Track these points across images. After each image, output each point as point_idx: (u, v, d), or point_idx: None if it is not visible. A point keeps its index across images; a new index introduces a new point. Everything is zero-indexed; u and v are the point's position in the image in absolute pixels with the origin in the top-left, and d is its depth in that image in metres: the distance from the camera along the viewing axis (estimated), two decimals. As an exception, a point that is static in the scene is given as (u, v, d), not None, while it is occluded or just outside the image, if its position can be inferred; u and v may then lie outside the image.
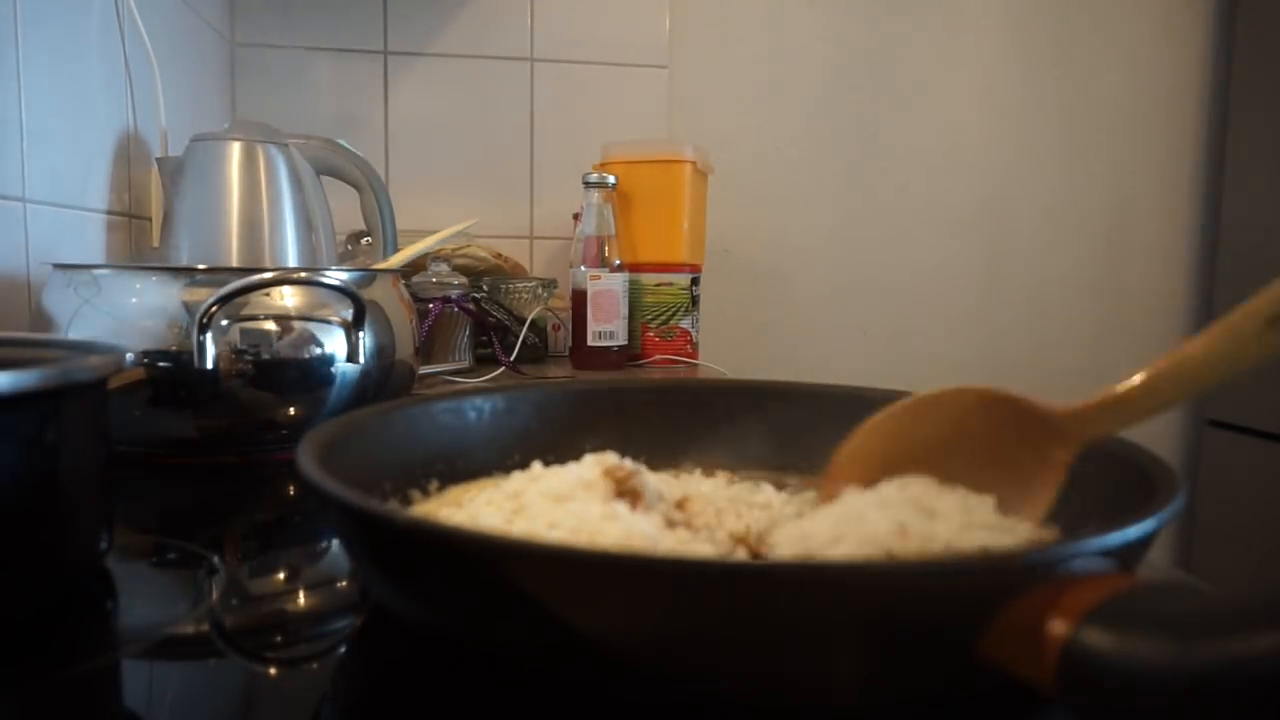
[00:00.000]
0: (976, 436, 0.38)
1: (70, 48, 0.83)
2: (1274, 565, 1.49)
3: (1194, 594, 0.25)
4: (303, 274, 0.64)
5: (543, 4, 1.48)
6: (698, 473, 0.49)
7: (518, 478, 0.41)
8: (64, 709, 0.31)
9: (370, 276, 0.68)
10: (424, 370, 1.02)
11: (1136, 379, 0.35)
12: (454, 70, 1.46)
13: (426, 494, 0.46)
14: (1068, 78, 1.64)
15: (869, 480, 0.39)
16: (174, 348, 0.58)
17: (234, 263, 0.86)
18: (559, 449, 0.52)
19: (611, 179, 1.16)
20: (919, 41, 1.60)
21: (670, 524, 0.38)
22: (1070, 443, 0.36)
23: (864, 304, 1.61)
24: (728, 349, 1.47)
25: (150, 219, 1.01)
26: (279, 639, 0.37)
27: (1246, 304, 0.33)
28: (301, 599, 0.42)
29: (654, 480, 0.40)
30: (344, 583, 0.43)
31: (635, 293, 1.22)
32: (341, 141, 0.97)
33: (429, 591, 0.31)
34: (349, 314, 0.63)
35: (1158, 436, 1.72)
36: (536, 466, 0.42)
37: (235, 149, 0.87)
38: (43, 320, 0.62)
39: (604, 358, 1.15)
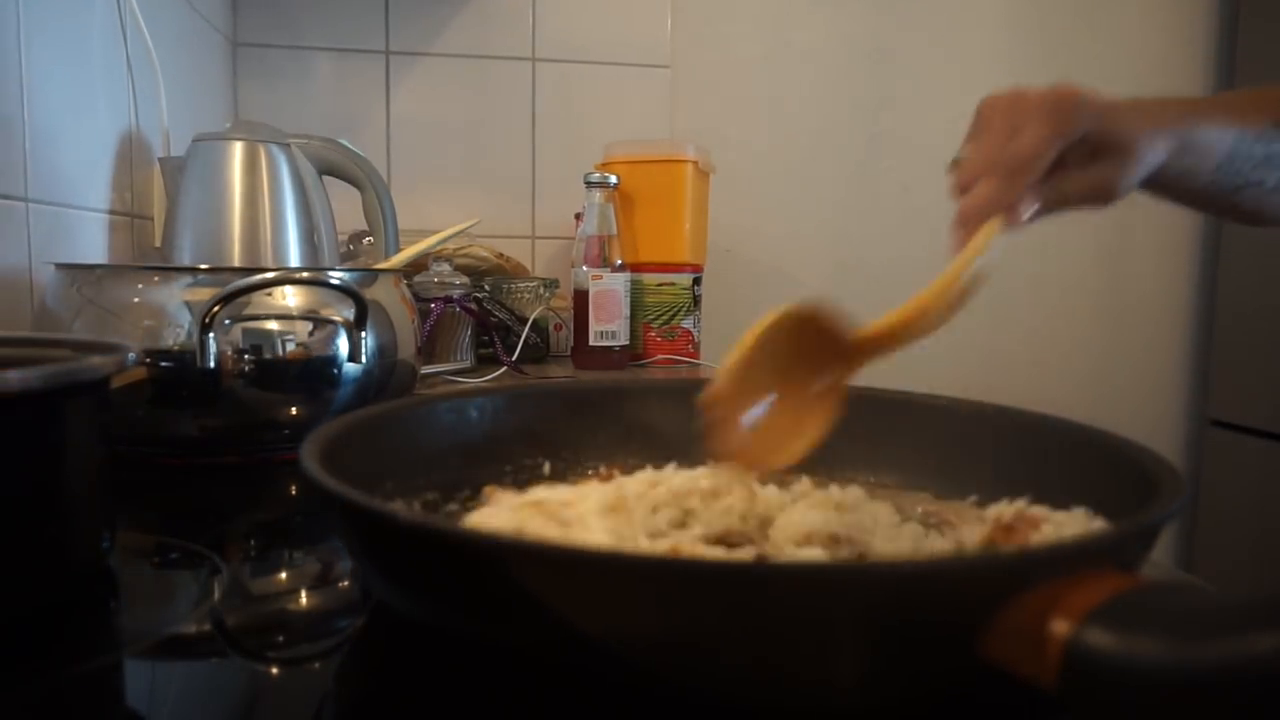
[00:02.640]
0: (803, 346, 0.45)
1: (72, 48, 0.83)
2: (1275, 565, 1.49)
3: (1196, 594, 0.25)
4: (305, 274, 0.64)
5: (544, 4, 1.48)
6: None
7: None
8: (66, 708, 0.31)
9: (372, 276, 0.68)
10: (426, 370, 1.02)
11: (890, 318, 0.45)
12: (456, 70, 1.47)
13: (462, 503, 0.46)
14: (1070, 76, 1.64)
15: (748, 393, 0.45)
16: (176, 347, 0.59)
17: (236, 262, 0.86)
18: (560, 449, 0.52)
19: (613, 179, 1.16)
20: (921, 41, 1.60)
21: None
22: (857, 356, 0.46)
23: (866, 304, 1.61)
24: (729, 349, 1.47)
25: (152, 219, 1.01)
26: (281, 639, 0.37)
27: (955, 261, 0.47)
28: (303, 599, 0.42)
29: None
30: (346, 582, 0.43)
31: (637, 292, 1.22)
32: (343, 141, 0.97)
33: (431, 591, 0.31)
34: (351, 314, 0.63)
35: (1159, 436, 1.72)
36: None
37: (237, 149, 0.87)
38: (45, 320, 0.62)
39: (606, 358, 1.15)
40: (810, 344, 0.45)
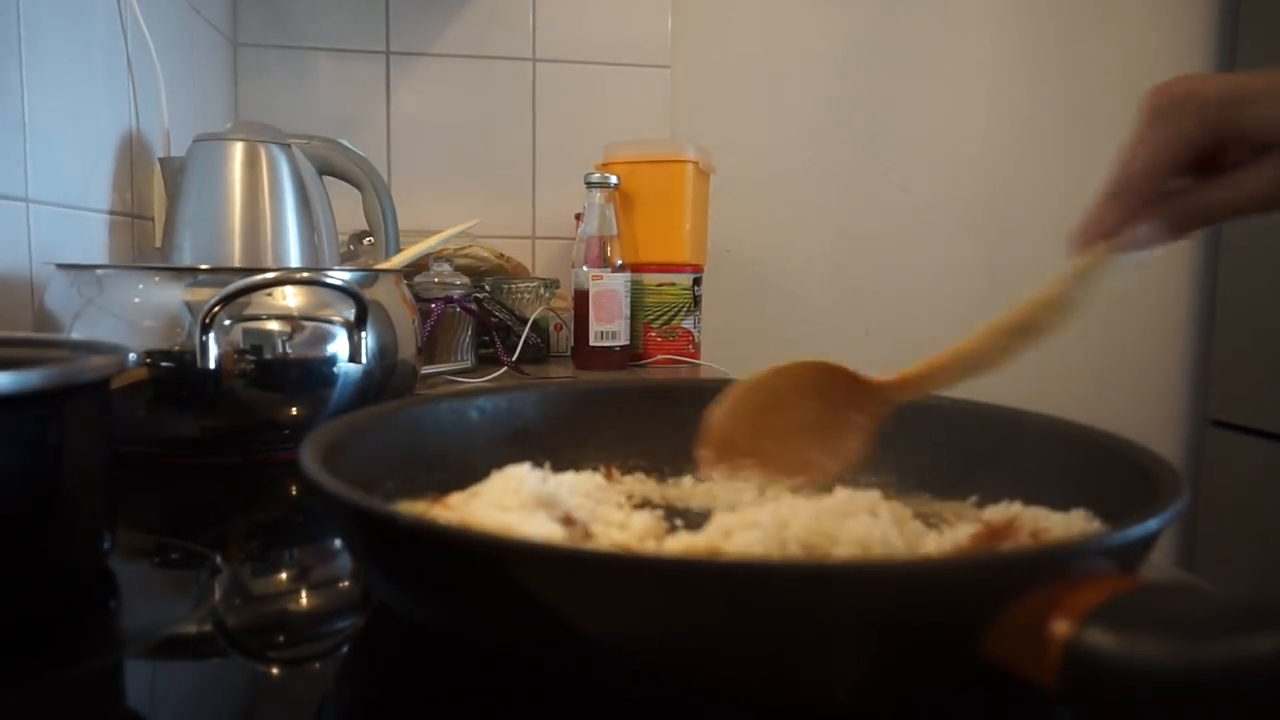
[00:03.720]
0: (813, 400, 0.46)
1: (73, 48, 0.83)
2: (1276, 565, 1.49)
3: (1196, 594, 0.25)
4: (305, 274, 0.64)
5: (545, 4, 1.48)
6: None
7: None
8: (67, 708, 0.31)
9: (372, 276, 0.68)
10: (426, 370, 1.02)
11: (921, 366, 0.44)
12: (456, 70, 1.47)
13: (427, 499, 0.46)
14: (1072, 78, 1.64)
15: (740, 444, 0.45)
16: (176, 348, 0.59)
17: (236, 263, 0.86)
18: (560, 449, 0.52)
19: (613, 179, 1.16)
20: (922, 41, 1.60)
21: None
22: (879, 405, 0.46)
23: (866, 304, 1.61)
24: (730, 349, 1.47)
25: (153, 219, 1.01)
26: (281, 639, 0.37)
27: (1006, 313, 0.44)
28: (304, 599, 0.42)
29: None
30: (346, 583, 0.43)
31: (637, 293, 1.22)
32: (344, 141, 0.97)
33: (431, 591, 0.31)
34: (351, 314, 0.63)
35: (1160, 436, 1.72)
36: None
37: (238, 149, 0.87)
38: (46, 320, 0.62)
39: (606, 358, 1.15)
40: (832, 388, 0.46)
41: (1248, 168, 0.45)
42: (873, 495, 0.39)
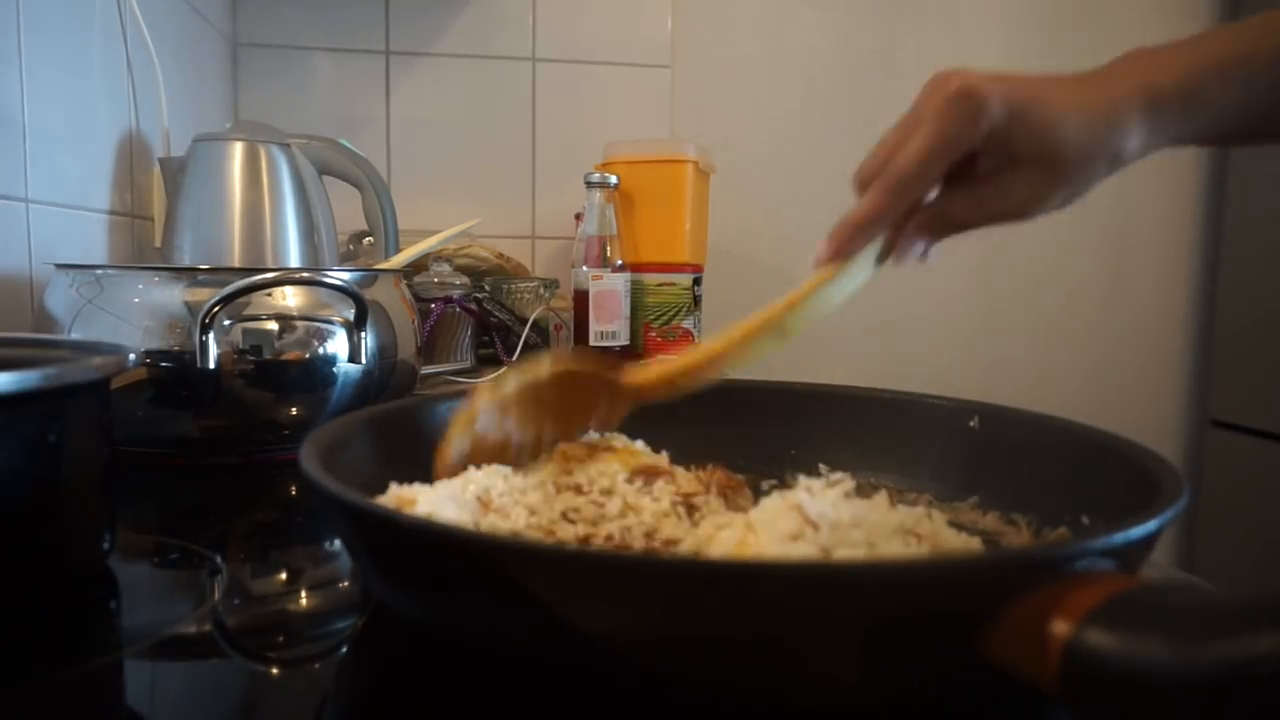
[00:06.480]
0: (563, 396, 0.46)
1: (72, 48, 0.83)
2: (1276, 565, 1.49)
3: (1196, 594, 0.25)
4: (305, 274, 0.64)
5: (545, 4, 1.48)
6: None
7: None
8: (66, 708, 0.31)
9: (372, 277, 0.68)
10: (426, 370, 1.02)
11: (666, 368, 0.45)
12: (456, 70, 1.46)
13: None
14: (1070, 77, 1.64)
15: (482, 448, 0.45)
16: (176, 348, 0.58)
17: (236, 263, 0.86)
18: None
19: (613, 179, 1.16)
20: (921, 40, 1.60)
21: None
22: (624, 399, 0.47)
23: (865, 303, 1.60)
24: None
25: (153, 219, 1.01)
26: (281, 639, 0.37)
27: (760, 314, 0.43)
28: (303, 599, 0.42)
29: None
30: (346, 583, 0.43)
31: (637, 293, 1.22)
32: (343, 141, 0.97)
33: (430, 592, 0.31)
34: (351, 314, 0.63)
35: (1160, 436, 1.72)
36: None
37: (237, 149, 0.87)
38: (45, 320, 0.62)
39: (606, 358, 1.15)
40: (576, 389, 0.46)
41: (996, 183, 0.43)
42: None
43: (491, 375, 1.03)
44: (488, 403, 0.44)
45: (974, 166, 0.44)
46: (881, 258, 0.46)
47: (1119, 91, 0.43)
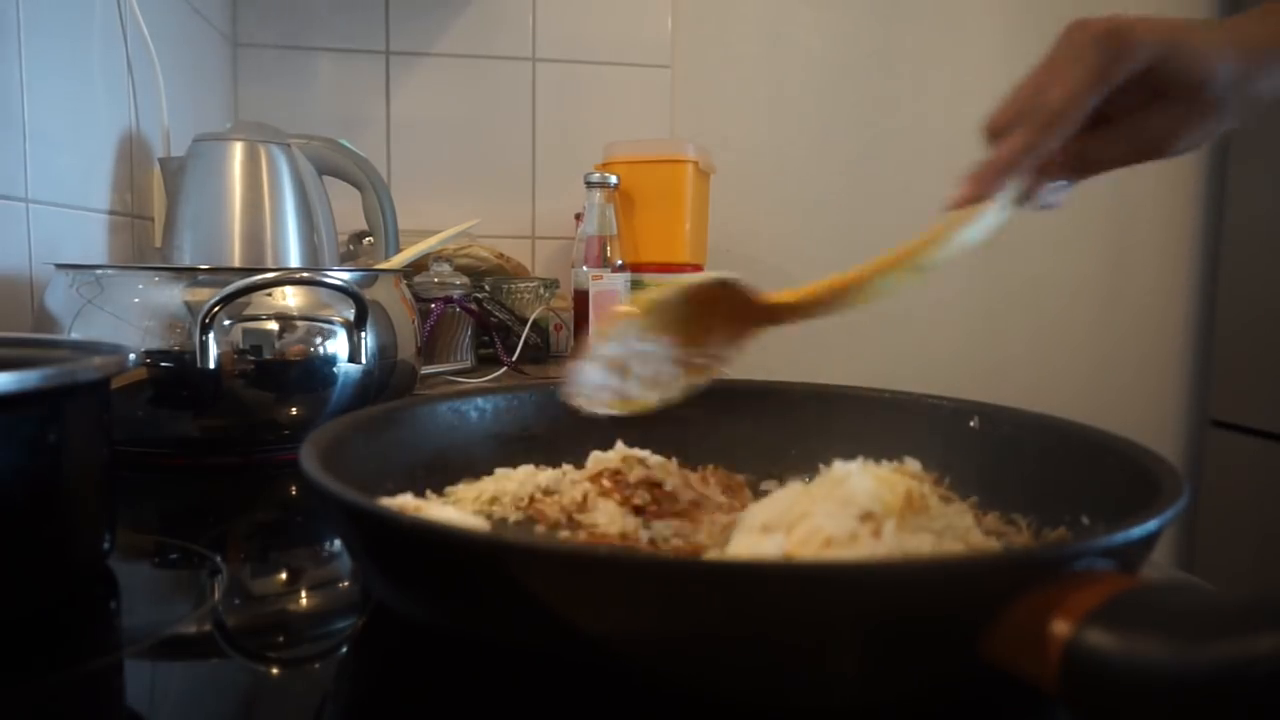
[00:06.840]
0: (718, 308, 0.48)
1: (72, 48, 0.83)
2: (1276, 565, 1.49)
3: (1196, 594, 0.25)
4: (305, 274, 0.64)
5: (545, 4, 1.48)
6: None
7: None
8: (66, 708, 0.31)
9: (372, 277, 0.68)
10: (426, 370, 1.02)
11: (810, 289, 0.45)
12: (456, 70, 1.47)
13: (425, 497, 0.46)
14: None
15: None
16: (176, 348, 0.58)
17: (236, 263, 0.86)
18: (560, 449, 0.52)
19: (613, 179, 1.16)
20: (921, 40, 1.60)
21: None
22: (758, 318, 0.48)
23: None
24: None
25: (153, 219, 1.01)
26: (281, 639, 0.37)
27: (898, 248, 0.43)
28: (303, 599, 0.42)
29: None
30: (346, 583, 0.43)
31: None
32: (344, 141, 0.97)
33: (431, 592, 0.31)
34: (351, 314, 0.63)
35: (1160, 436, 1.72)
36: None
37: (237, 149, 0.87)
38: (45, 320, 0.62)
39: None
40: (720, 309, 0.48)
41: (1134, 121, 0.44)
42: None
43: (493, 375, 1.03)
44: (631, 317, 0.45)
45: (1110, 107, 0.45)
46: (1019, 200, 0.46)
47: (1263, 35, 0.44)
